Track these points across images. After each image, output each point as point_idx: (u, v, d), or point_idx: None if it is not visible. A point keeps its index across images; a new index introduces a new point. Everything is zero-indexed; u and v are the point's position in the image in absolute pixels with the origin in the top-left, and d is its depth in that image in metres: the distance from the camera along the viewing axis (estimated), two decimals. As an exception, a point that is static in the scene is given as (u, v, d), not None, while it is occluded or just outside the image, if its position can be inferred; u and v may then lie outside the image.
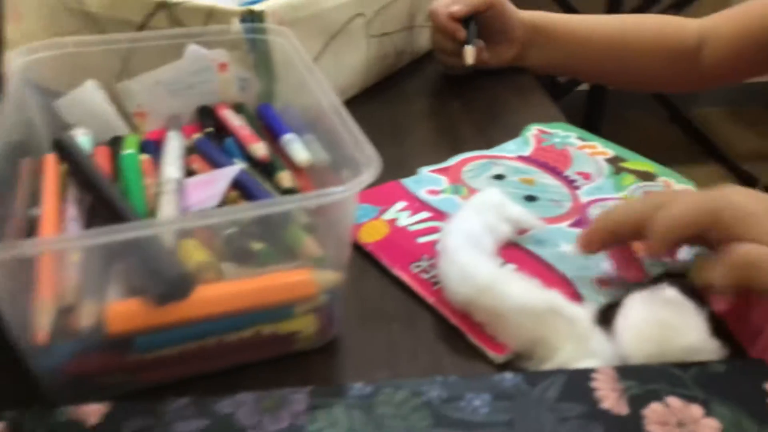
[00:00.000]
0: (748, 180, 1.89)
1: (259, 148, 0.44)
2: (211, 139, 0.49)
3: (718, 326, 0.41)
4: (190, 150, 0.49)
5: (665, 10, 1.88)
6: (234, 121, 0.48)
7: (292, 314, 0.38)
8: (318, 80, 0.43)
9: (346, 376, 0.40)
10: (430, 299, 0.44)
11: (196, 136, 0.49)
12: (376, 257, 0.47)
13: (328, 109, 0.41)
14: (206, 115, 0.51)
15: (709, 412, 0.35)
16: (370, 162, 0.36)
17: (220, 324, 0.37)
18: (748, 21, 0.67)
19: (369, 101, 0.69)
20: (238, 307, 0.37)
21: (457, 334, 0.42)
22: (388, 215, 0.51)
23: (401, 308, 0.44)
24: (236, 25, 0.50)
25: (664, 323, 0.37)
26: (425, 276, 0.45)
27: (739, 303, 0.38)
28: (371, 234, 0.49)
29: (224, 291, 0.37)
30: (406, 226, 0.49)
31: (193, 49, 0.49)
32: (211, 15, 0.53)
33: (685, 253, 0.44)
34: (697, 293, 0.43)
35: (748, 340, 0.39)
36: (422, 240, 0.48)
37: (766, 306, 0.38)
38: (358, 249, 0.49)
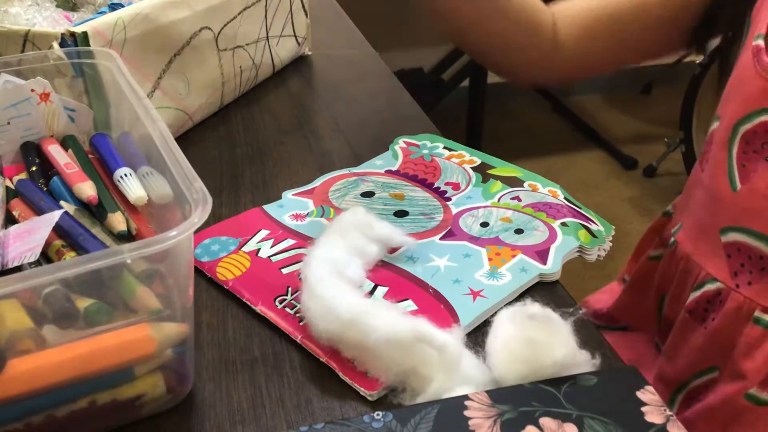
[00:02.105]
0: (628, 162, 1.99)
1: (85, 188, 0.39)
2: (37, 178, 0.44)
3: (587, 334, 0.40)
4: (14, 193, 0.43)
5: None
6: (60, 157, 0.43)
7: (133, 377, 0.34)
8: (146, 108, 0.38)
9: (203, 438, 0.36)
10: (297, 336, 0.40)
11: (18, 177, 0.43)
12: (238, 295, 0.43)
13: (157, 140, 0.37)
14: (31, 153, 0.45)
15: (582, 430, 0.34)
16: (199, 200, 0.32)
17: (45, 398, 0.32)
18: None
19: (228, 119, 0.65)
20: (65, 378, 0.32)
21: (327, 372, 0.39)
22: (249, 246, 0.47)
23: (267, 350, 0.41)
24: (56, 50, 0.45)
25: (531, 341, 0.35)
26: (291, 310, 0.42)
27: None
28: (231, 269, 0.45)
29: (45, 361, 0.32)
30: (269, 256, 0.46)
31: (6, 79, 0.44)
32: (27, 40, 0.47)
33: None
34: (561, 301, 0.42)
35: None
36: (286, 270, 0.45)
37: None
38: (219, 288, 0.45)
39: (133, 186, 0.39)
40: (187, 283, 0.35)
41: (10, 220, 0.41)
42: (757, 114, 0.48)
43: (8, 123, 0.45)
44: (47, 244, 0.37)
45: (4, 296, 0.31)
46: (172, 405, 0.37)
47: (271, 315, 0.42)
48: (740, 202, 0.50)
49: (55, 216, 0.37)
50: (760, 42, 0.48)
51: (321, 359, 0.39)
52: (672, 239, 0.58)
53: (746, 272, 0.50)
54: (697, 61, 1.64)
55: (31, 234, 0.37)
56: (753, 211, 0.49)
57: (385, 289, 0.43)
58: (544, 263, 0.45)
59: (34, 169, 0.44)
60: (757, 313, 0.50)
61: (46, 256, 0.38)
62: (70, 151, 0.44)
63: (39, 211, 0.40)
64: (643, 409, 0.35)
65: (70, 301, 0.33)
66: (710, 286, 0.53)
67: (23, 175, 0.44)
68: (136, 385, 0.34)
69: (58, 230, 0.38)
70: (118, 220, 0.38)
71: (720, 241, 0.52)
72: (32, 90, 0.44)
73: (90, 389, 0.33)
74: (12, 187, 0.43)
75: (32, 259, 0.36)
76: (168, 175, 0.35)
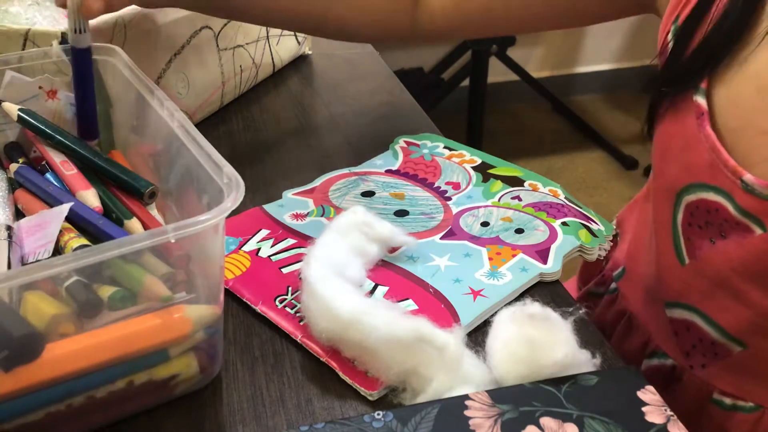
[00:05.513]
0: (629, 162, 1.99)
1: (90, 197, 0.39)
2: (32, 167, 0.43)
3: (588, 334, 0.40)
4: (16, 185, 0.43)
5: None
6: (54, 157, 0.43)
7: (167, 357, 0.35)
8: (161, 99, 0.38)
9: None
10: (298, 335, 0.40)
11: (15, 166, 0.43)
12: (238, 294, 0.43)
13: (177, 130, 0.37)
14: (16, 152, 0.45)
15: (583, 429, 0.34)
16: (232, 185, 0.32)
17: (86, 380, 0.33)
18: None
19: (228, 118, 0.65)
20: (104, 360, 0.33)
21: (328, 372, 0.39)
22: (249, 246, 0.47)
23: (267, 349, 0.41)
24: (56, 48, 0.45)
25: (532, 341, 0.35)
26: (291, 310, 0.42)
27: None
28: (231, 269, 0.45)
29: (84, 344, 0.32)
30: (269, 256, 0.46)
31: (13, 76, 0.44)
32: (28, 39, 0.47)
33: None
34: (561, 301, 0.42)
35: None
36: (287, 270, 0.45)
37: None
38: (218, 286, 0.45)
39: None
40: (219, 267, 0.35)
41: (17, 213, 0.41)
42: (702, 188, 0.42)
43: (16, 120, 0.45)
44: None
45: (30, 286, 0.31)
46: (204, 384, 0.37)
47: (271, 315, 0.42)
48: (688, 278, 0.45)
49: (64, 210, 0.37)
50: (701, 101, 0.41)
51: (321, 359, 0.39)
52: (613, 285, 0.54)
53: (698, 354, 0.46)
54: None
55: (42, 229, 0.37)
56: (702, 293, 0.44)
57: (386, 288, 0.43)
58: (545, 263, 0.45)
59: (23, 160, 0.44)
60: (716, 396, 0.47)
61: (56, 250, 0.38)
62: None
63: (45, 198, 0.40)
64: (643, 408, 0.35)
65: (92, 292, 0.33)
66: (664, 361, 0.49)
67: (21, 160, 0.44)
68: (171, 365, 0.35)
69: (73, 220, 0.38)
70: (136, 228, 0.38)
71: (665, 314, 0.47)
72: (40, 87, 0.44)
73: (128, 370, 0.34)
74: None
75: (46, 256, 0.36)
76: (194, 163, 0.35)
